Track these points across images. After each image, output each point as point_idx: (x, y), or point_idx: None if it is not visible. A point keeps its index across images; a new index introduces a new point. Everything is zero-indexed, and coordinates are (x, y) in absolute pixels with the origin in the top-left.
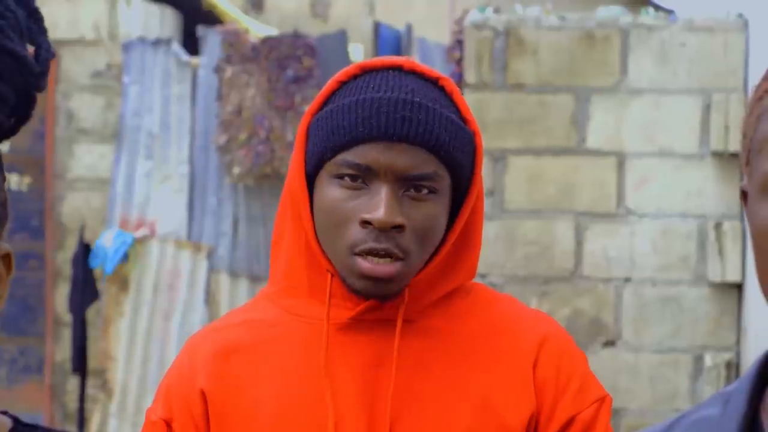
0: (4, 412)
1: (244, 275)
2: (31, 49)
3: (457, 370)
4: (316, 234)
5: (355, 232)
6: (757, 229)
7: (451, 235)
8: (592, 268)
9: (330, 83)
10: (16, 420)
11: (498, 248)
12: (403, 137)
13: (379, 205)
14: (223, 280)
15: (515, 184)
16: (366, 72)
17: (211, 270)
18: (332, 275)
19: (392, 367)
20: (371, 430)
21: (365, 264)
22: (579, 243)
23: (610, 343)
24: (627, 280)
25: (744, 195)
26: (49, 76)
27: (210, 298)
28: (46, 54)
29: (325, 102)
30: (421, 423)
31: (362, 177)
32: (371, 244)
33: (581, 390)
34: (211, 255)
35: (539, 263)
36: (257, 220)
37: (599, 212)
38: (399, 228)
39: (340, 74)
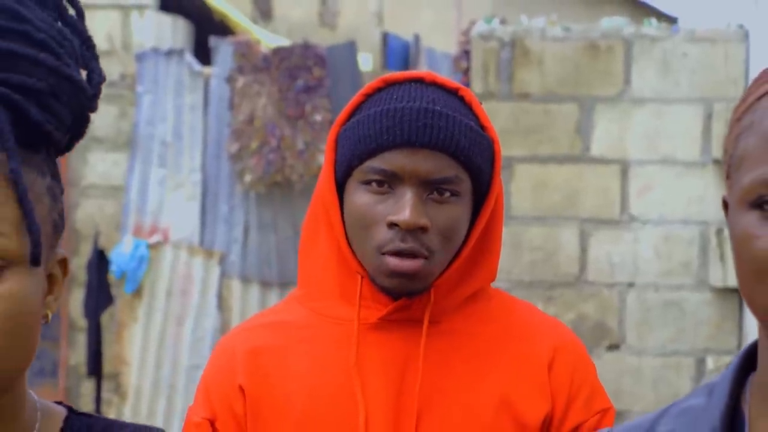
0: (59, 403)
1: (255, 281)
2: (84, 73)
3: (479, 370)
4: (347, 238)
5: (383, 234)
6: (736, 238)
7: (472, 236)
8: (597, 274)
9: (356, 96)
10: (70, 409)
11: (504, 254)
12: (426, 143)
13: (404, 207)
14: (235, 285)
15: (521, 191)
16: (389, 85)
17: (223, 276)
18: (362, 277)
19: (419, 365)
20: (398, 423)
21: (392, 261)
22: (583, 249)
23: (614, 347)
24: (630, 285)
25: (726, 205)
26: (99, 97)
27: (222, 303)
28: (98, 78)
29: (352, 114)
30: (445, 418)
31: (388, 182)
32: (398, 244)
33: (589, 399)
34: (223, 261)
35: (545, 269)
36: (268, 227)
37: (603, 219)
38: (423, 229)
39: (365, 88)
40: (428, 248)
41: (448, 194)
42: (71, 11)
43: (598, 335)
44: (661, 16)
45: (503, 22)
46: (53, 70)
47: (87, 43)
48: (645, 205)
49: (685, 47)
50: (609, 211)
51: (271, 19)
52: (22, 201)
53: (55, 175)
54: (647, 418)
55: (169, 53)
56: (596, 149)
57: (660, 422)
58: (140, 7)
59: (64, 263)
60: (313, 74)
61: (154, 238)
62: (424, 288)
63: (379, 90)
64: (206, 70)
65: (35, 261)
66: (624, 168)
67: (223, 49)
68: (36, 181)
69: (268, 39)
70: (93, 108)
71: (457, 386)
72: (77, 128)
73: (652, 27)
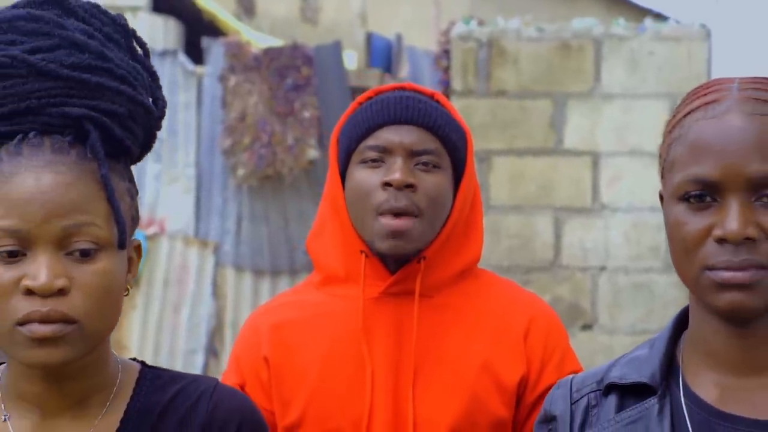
0: (134, 359)
1: (248, 269)
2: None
3: (465, 338)
4: (350, 220)
5: (378, 195)
6: (669, 225)
7: (455, 207)
8: (570, 259)
9: (352, 105)
10: (143, 363)
11: (484, 241)
12: (409, 120)
13: (395, 170)
14: (229, 274)
15: (499, 182)
16: (378, 93)
17: (218, 265)
18: (366, 256)
19: (413, 330)
20: (398, 380)
21: (387, 221)
22: (558, 236)
23: (587, 327)
24: (602, 269)
25: (662, 199)
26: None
27: (217, 291)
28: (162, 104)
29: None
30: (437, 377)
31: (381, 158)
32: (392, 203)
33: (561, 363)
34: (217, 251)
35: (521, 254)
36: (260, 218)
37: (576, 207)
38: (413, 187)
39: (359, 97)
40: (418, 206)
41: (431, 166)
42: (139, 51)
43: (573, 316)
44: (634, 9)
45: (480, 23)
46: (131, 98)
47: (153, 76)
48: (615, 194)
49: (651, 46)
50: (581, 200)
51: (254, 15)
52: (111, 200)
53: (131, 180)
54: (602, 367)
55: (163, 53)
56: (569, 142)
57: (612, 369)
58: (133, 9)
59: (138, 249)
60: (302, 73)
61: (151, 230)
62: (416, 250)
63: (369, 98)
64: (199, 69)
65: (122, 245)
66: (595, 159)
67: (215, 50)
68: (119, 184)
69: (256, 38)
70: (159, 127)
71: (446, 351)
72: (147, 143)
73: (620, 27)
